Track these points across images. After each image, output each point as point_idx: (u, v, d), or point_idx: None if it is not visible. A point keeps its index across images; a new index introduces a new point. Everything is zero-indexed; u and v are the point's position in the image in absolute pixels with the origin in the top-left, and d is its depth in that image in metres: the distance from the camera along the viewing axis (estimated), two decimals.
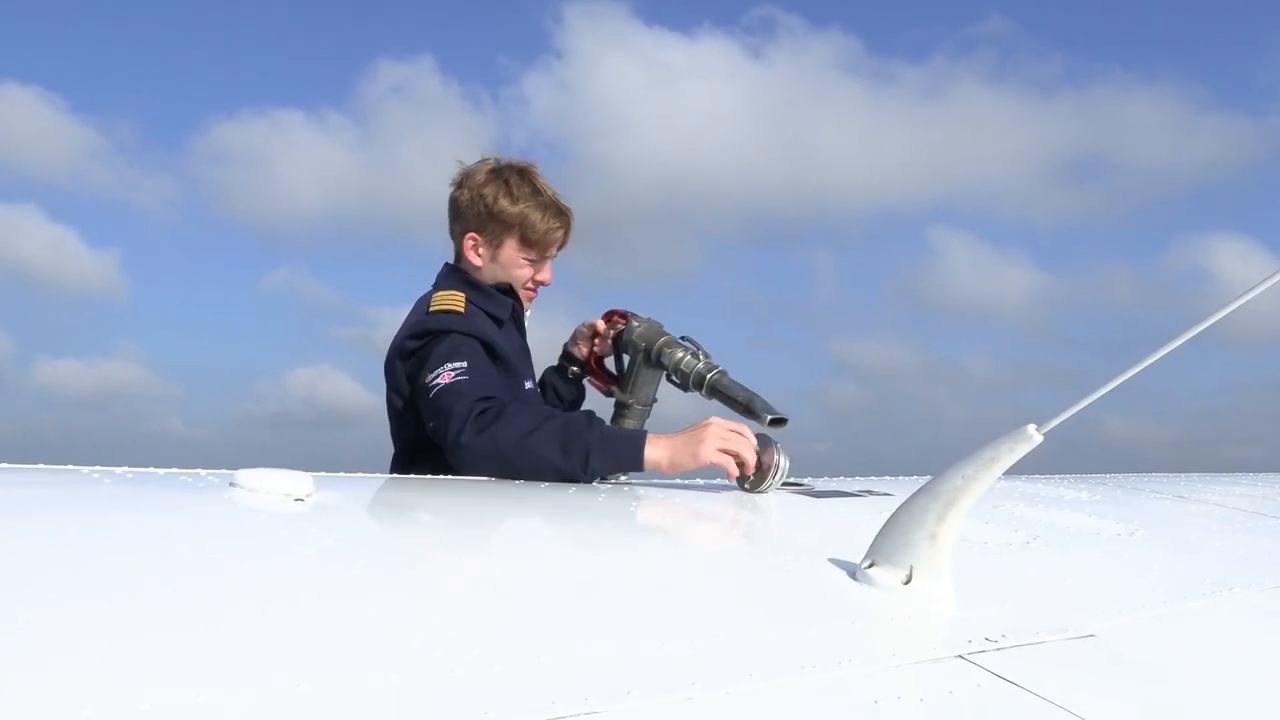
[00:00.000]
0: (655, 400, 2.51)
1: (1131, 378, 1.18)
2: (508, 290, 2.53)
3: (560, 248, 2.57)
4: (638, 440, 1.98)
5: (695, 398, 2.33)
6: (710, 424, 1.95)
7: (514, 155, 2.58)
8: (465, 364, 2.18)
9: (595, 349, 2.67)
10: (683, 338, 2.40)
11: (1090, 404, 1.19)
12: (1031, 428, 1.15)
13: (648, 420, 2.52)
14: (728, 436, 1.93)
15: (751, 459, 1.91)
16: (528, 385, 2.50)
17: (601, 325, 2.64)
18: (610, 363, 2.66)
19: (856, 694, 0.92)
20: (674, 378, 2.36)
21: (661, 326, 2.45)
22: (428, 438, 2.20)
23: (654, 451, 1.96)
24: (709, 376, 2.27)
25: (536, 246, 2.50)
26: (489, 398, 2.08)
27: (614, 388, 2.55)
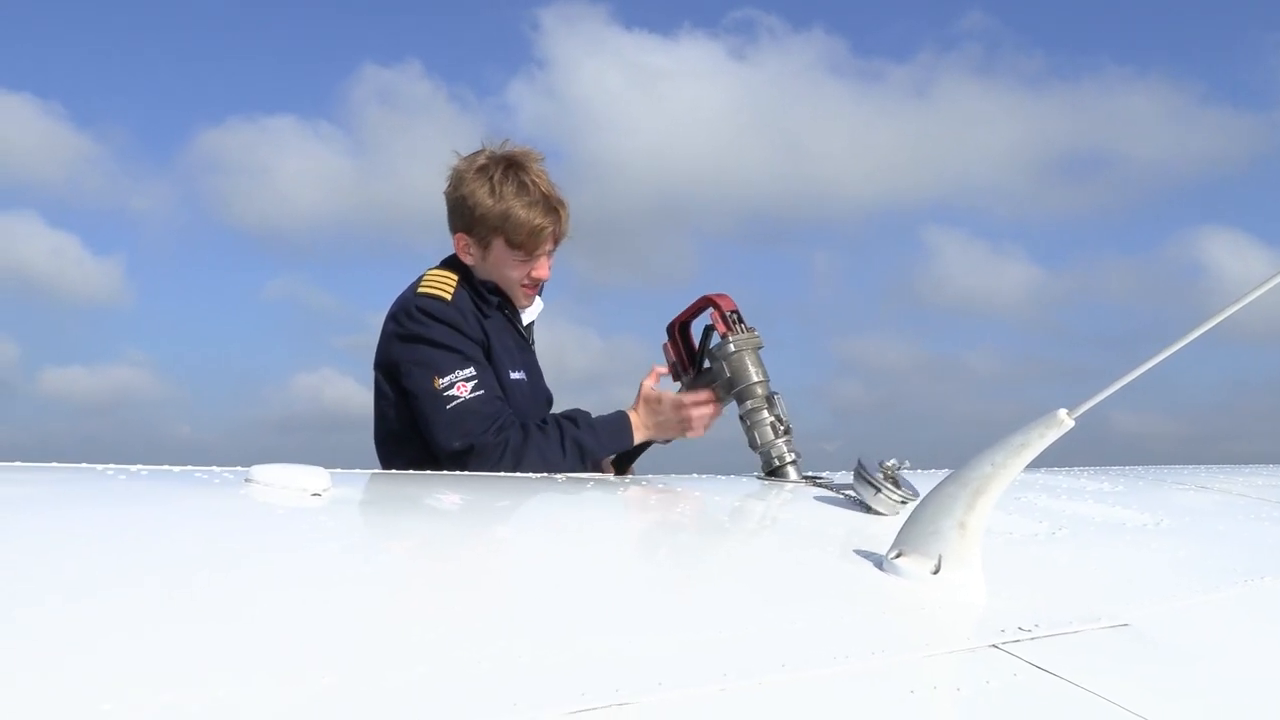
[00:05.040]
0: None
1: (1151, 367, 1.15)
2: (495, 291, 2.48)
3: (557, 241, 2.48)
4: (628, 438, 2.39)
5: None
6: (690, 423, 2.35)
7: (515, 144, 2.49)
8: (473, 370, 2.30)
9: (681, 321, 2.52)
10: (773, 395, 2.20)
11: (1122, 387, 1.17)
12: (1062, 412, 1.13)
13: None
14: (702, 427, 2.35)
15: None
16: (515, 375, 2.47)
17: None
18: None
19: (891, 684, 0.90)
20: (745, 428, 2.19)
21: (758, 354, 2.24)
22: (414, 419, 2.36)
23: (639, 438, 2.39)
24: (779, 464, 2.11)
25: (524, 246, 2.41)
26: (498, 416, 2.30)
27: (684, 379, 2.38)
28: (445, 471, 2.19)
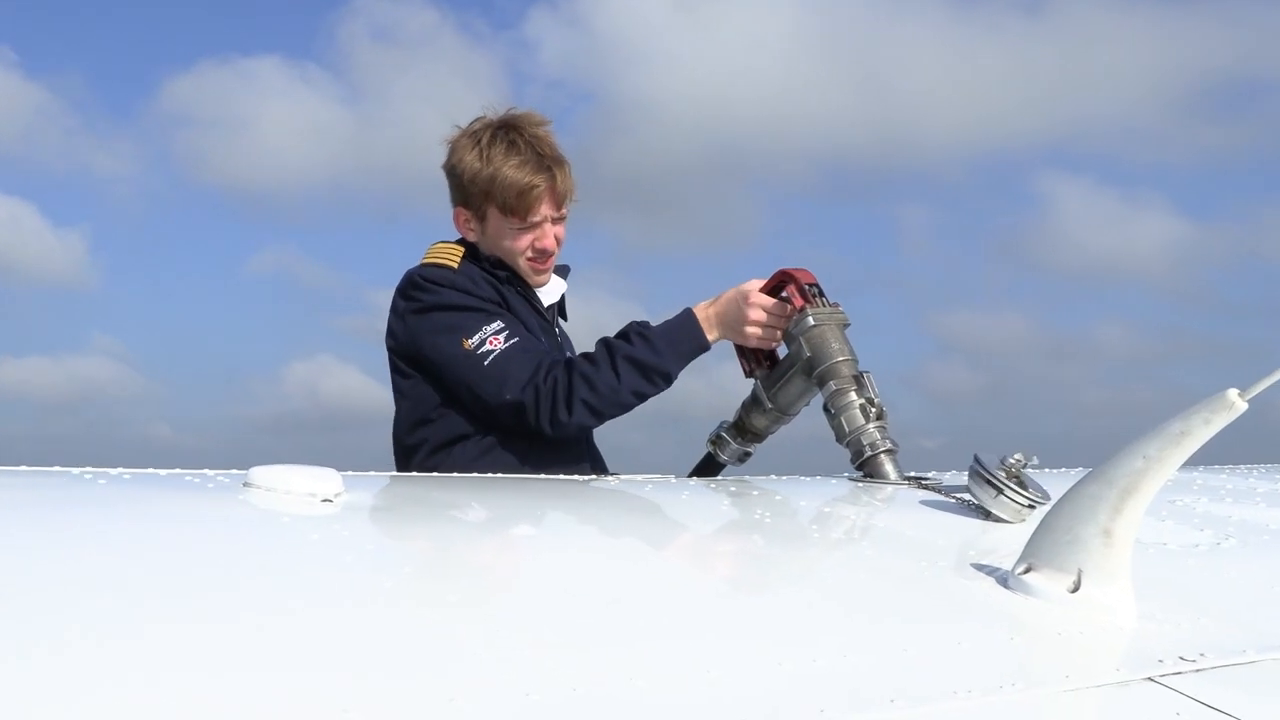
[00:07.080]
0: (798, 413, 2.38)
1: None
2: (502, 265, 2.57)
3: (559, 206, 2.56)
4: (697, 335, 2.42)
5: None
6: (749, 298, 2.36)
7: (523, 107, 2.61)
8: (500, 323, 2.41)
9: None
10: (861, 374, 2.18)
11: None
12: (1233, 392, 1.10)
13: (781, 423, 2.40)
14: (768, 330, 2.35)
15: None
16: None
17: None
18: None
19: None
20: (829, 417, 2.19)
21: (843, 331, 2.25)
22: (441, 402, 2.47)
23: (712, 335, 2.42)
24: (870, 454, 2.08)
25: (518, 212, 2.50)
26: (541, 359, 2.40)
27: (758, 372, 2.42)
28: (474, 474, 2.21)
